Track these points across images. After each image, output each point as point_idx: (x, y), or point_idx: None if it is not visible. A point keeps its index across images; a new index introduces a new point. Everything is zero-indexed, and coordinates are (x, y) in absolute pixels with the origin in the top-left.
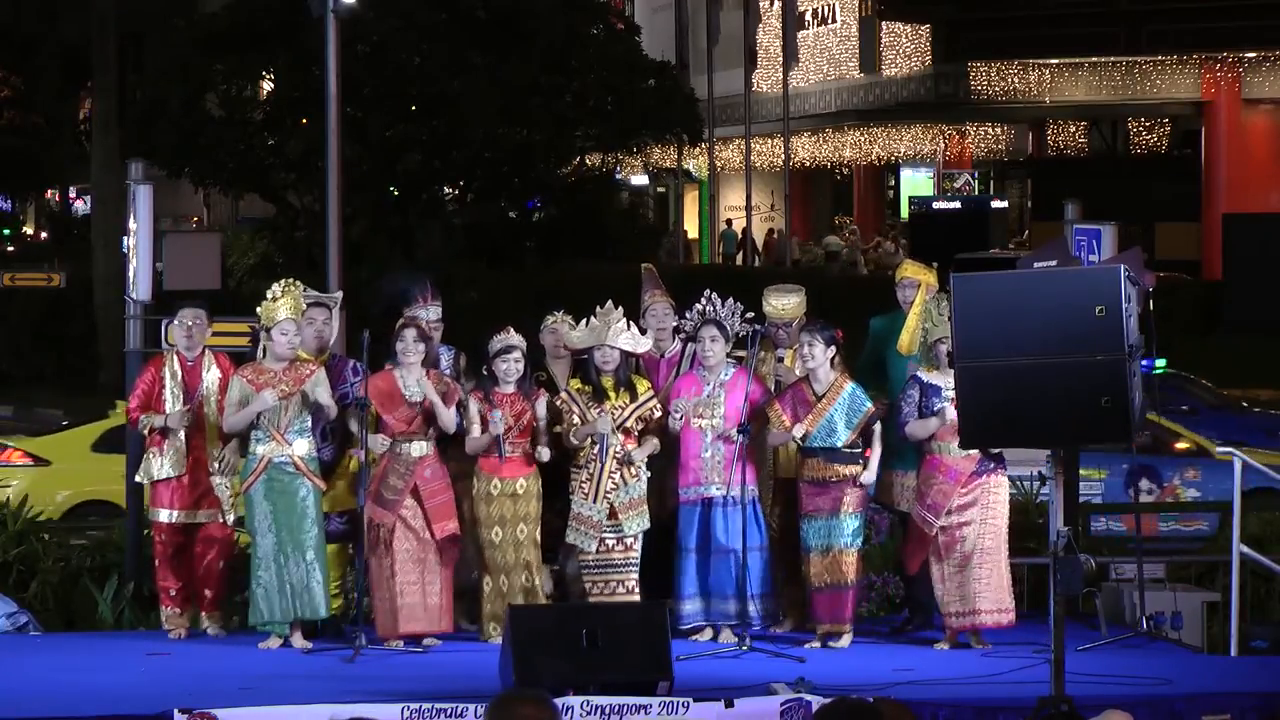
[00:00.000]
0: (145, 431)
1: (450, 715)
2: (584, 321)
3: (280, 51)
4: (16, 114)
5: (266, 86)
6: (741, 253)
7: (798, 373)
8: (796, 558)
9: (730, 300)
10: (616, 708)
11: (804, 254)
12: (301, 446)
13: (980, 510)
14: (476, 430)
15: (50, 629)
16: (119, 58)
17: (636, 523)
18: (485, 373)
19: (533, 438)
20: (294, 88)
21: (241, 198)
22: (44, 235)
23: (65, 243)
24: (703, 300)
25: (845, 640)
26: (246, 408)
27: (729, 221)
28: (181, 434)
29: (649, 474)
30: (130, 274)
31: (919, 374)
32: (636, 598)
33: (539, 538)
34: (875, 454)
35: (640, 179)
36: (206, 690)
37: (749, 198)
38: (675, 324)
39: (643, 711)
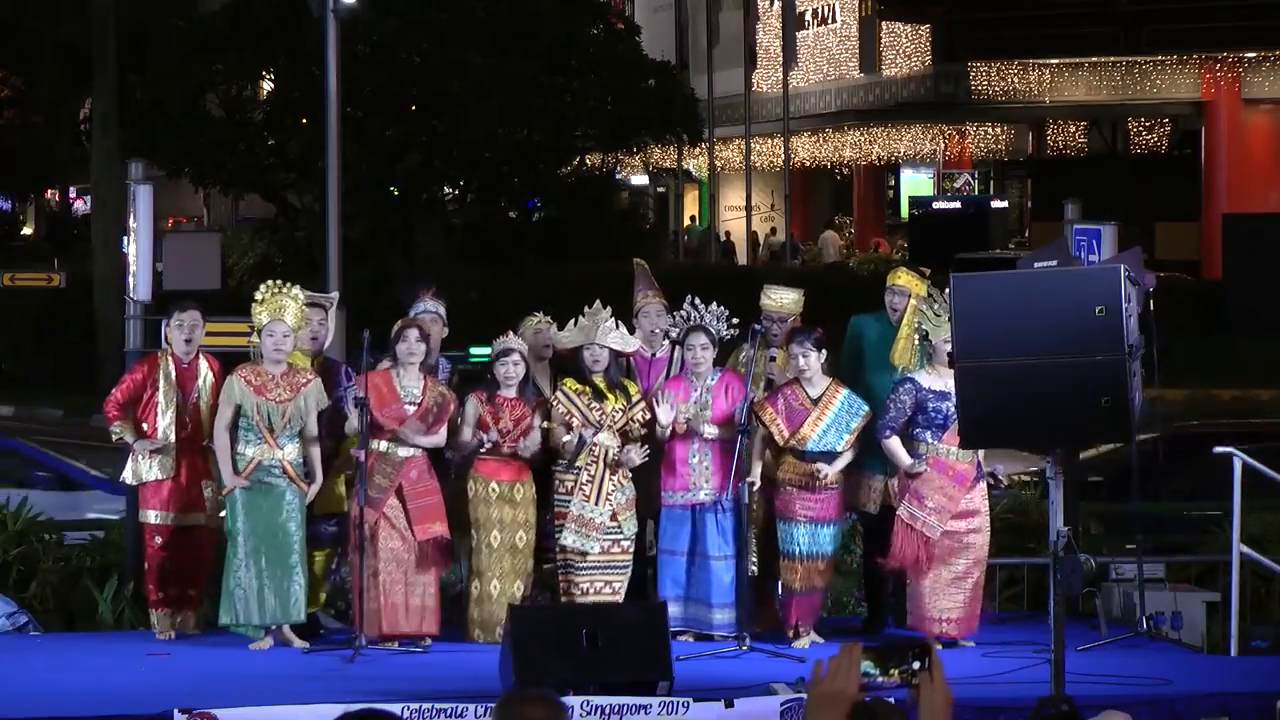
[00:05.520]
0: (114, 438)
1: (450, 715)
2: (572, 321)
3: (280, 51)
4: (16, 114)
5: (266, 86)
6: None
7: (788, 375)
8: (769, 561)
9: (714, 304)
10: (616, 708)
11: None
12: (291, 451)
13: (982, 519)
14: (468, 431)
15: (50, 629)
16: (119, 58)
17: (631, 524)
18: (488, 376)
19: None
20: (294, 88)
21: (241, 198)
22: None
23: (65, 243)
24: (686, 306)
25: (806, 642)
26: (220, 456)
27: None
28: (171, 439)
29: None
30: (130, 274)
31: (915, 377)
32: (620, 599)
33: (534, 544)
34: (847, 454)
35: (640, 179)
36: (206, 690)
37: (749, 198)
38: (666, 326)
39: (643, 711)
